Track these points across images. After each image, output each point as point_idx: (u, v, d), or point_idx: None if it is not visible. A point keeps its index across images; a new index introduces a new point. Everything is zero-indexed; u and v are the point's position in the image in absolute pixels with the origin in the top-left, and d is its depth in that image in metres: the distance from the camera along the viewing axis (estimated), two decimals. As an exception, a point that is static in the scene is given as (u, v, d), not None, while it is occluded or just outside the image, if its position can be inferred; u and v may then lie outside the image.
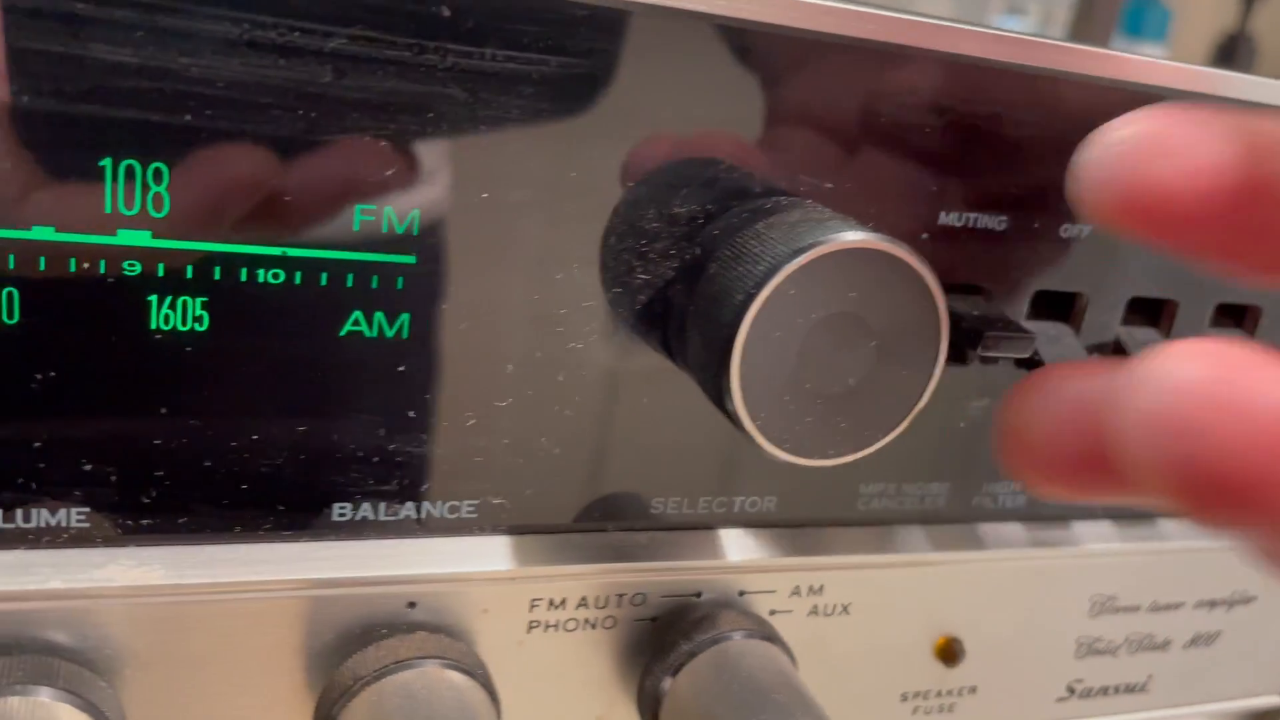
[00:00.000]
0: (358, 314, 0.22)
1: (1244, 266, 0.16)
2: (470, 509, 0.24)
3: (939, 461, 0.28)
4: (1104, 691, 0.32)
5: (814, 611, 0.27)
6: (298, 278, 0.22)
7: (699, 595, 0.26)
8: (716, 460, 0.26)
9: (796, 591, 0.27)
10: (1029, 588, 0.30)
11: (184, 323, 0.21)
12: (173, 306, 0.21)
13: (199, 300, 0.21)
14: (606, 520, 0.25)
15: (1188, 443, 0.12)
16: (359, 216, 0.22)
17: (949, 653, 0.29)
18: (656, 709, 0.24)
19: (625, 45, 0.21)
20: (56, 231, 0.20)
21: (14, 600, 0.20)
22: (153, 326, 0.21)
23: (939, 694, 0.30)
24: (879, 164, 0.24)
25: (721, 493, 0.26)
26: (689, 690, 0.24)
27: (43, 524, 0.21)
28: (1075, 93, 0.25)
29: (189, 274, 0.21)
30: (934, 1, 1.15)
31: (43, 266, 0.20)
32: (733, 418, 0.21)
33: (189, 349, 0.21)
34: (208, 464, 0.22)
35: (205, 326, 0.21)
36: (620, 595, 0.25)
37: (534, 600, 0.24)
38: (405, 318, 0.22)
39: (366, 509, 0.23)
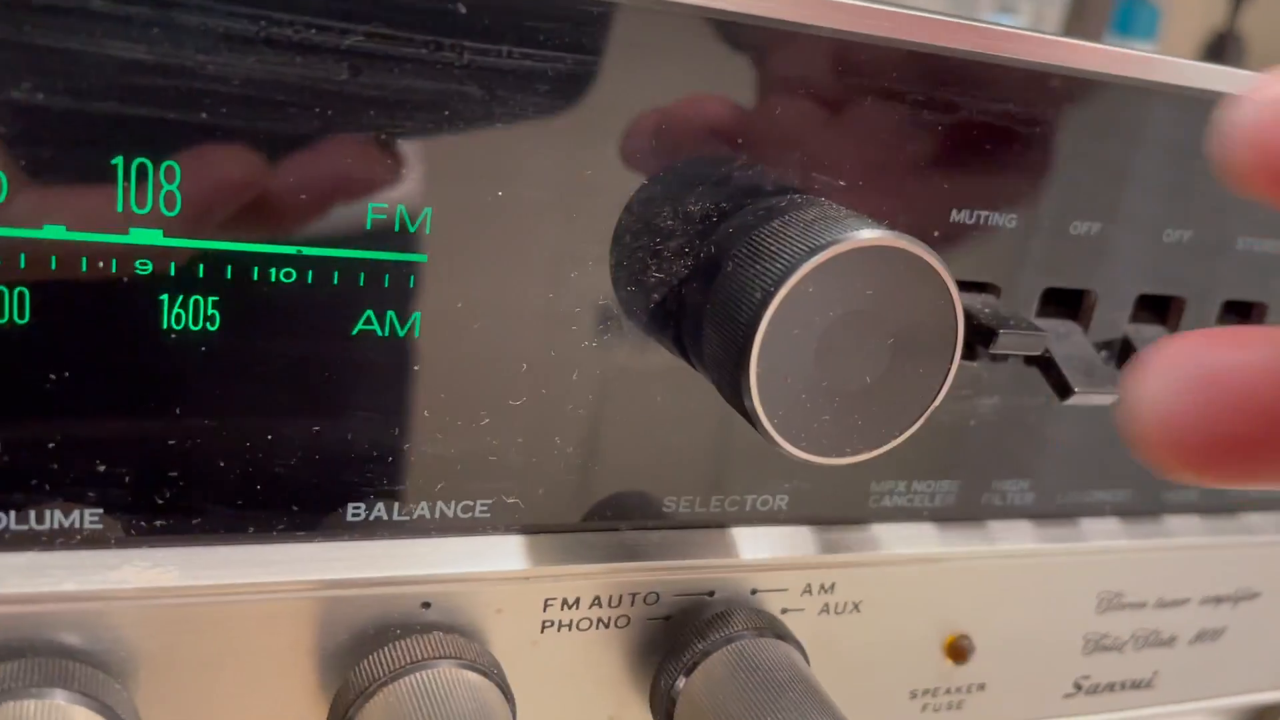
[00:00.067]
0: (369, 313, 0.22)
1: None
2: (484, 508, 0.24)
3: (948, 459, 0.28)
4: (1110, 687, 0.32)
5: (825, 610, 0.27)
6: (310, 277, 0.21)
7: (712, 594, 0.26)
8: (729, 458, 0.26)
9: (808, 590, 0.27)
10: (1037, 585, 0.30)
11: (195, 322, 0.21)
12: (184, 306, 0.21)
13: (210, 300, 0.21)
14: (619, 519, 0.25)
15: None
16: (371, 215, 0.21)
17: (958, 650, 0.29)
18: (671, 708, 0.24)
19: (639, 43, 0.21)
20: (68, 230, 0.20)
21: (28, 603, 0.20)
22: (164, 326, 0.21)
23: (948, 691, 0.30)
24: (891, 161, 0.24)
25: (733, 491, 0.26)
26: (703, 689, 0.24)
27: (56, 525, 0.20)
28: (1082, 88, 0.25)
29: (201, 273, 0.21)
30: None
31: (54, 266, 0.20)
32: (750, 416, 0.21)
33: (201, 349, 0.21)
34: (221, 464, 0.21)
35: (217, 326, 0.21)
36: (633, 594, 0.25)
37: (548, 600, 0.24)
38: (417, 317, 0.22)
39: (380, 509, 0.23)
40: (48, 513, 0.20)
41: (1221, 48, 1.32)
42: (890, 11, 0.23)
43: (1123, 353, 0.28)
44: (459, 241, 0.22)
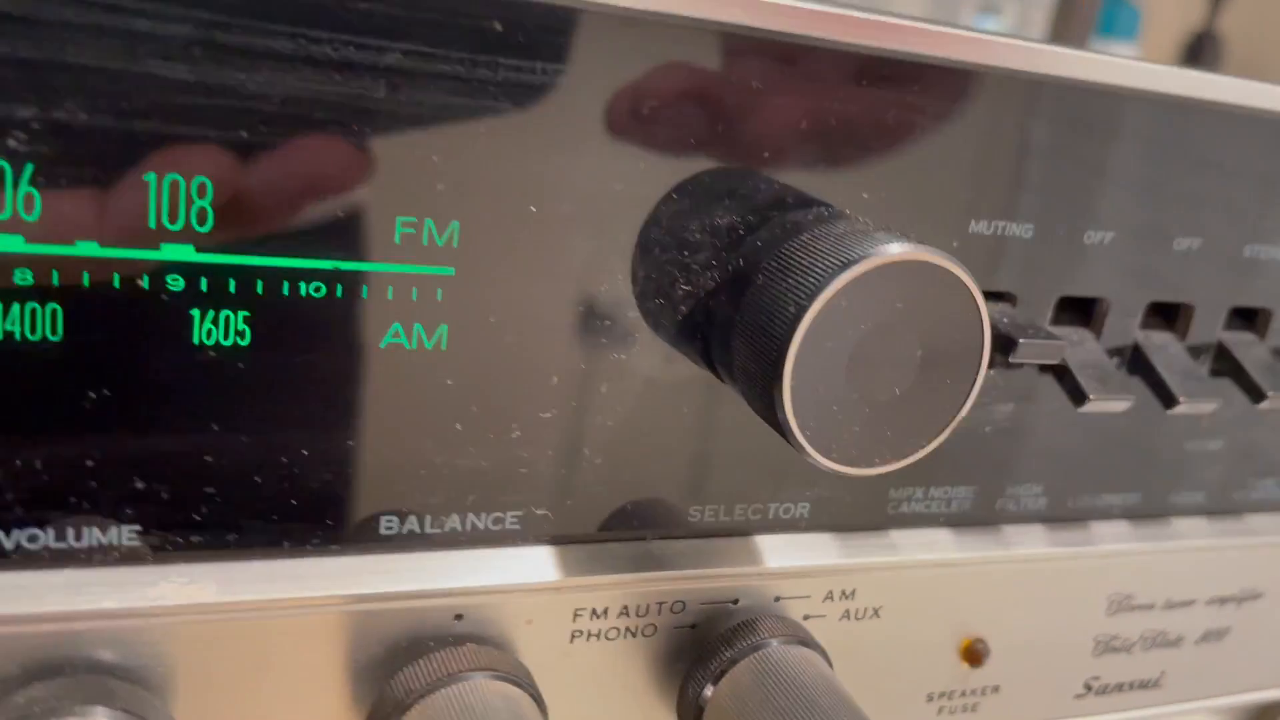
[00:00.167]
0: (397, 326, 0.22)
1: None
2: (514, 520, 0.24)
3: (964, 465, 0.28)
4: (1119, 688, 0.33)
5: (846, 615, 0.27)
6: (339, 290, 0.22)
7: (736, 602, 0.26)
8: (752, 468, 0.26)
9: (830, 596, 0.27)
10: (1050, 588, 0.30)
11: (227, 337, 0.21)
12: (215, 321, 0.21)
13: (241, 315, 0.21)
14: (645, 529, 0.25)
15: None
16: (400, 229, 0.22)
17: (974, 653, 0.29)
18: (698, 716, 0.25)
19: (668, 59, 0.22)
20: (100, 247, 0.20)
21: (68, 620, 0.20)
22: (195, 341, 0.21)
23: (963, 694, 0.30)
24: (911, 173, 0.24)
25: (756, 500, 0.26)
26: (731, 697, 0.24)
27: (94, 543, 0.21)
28: (1097, 101, 0.26)
29: (232, 288, 0.21)
30: (908, 1, 1.16)
31: (86, 283, 0.20)
32: (782, 428, 0.21)
33: (233, 364, 0.21)
34: (257, 479, 0.21)
35: (248, 341, 0.21)
36: (660, 603, 0.25)
37: (577, 610, 0.24)
38: (444, 329, 0.22)
39: (413, 522, 0.23)
40: (86, 530, 0.20)
41: (1200, 48, 1.34)
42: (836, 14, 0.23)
43: (1133, 359, 0.29)
44: (487, 254, 0.22)
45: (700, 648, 0.25)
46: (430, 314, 0.22)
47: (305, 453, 0.22)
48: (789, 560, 0.26)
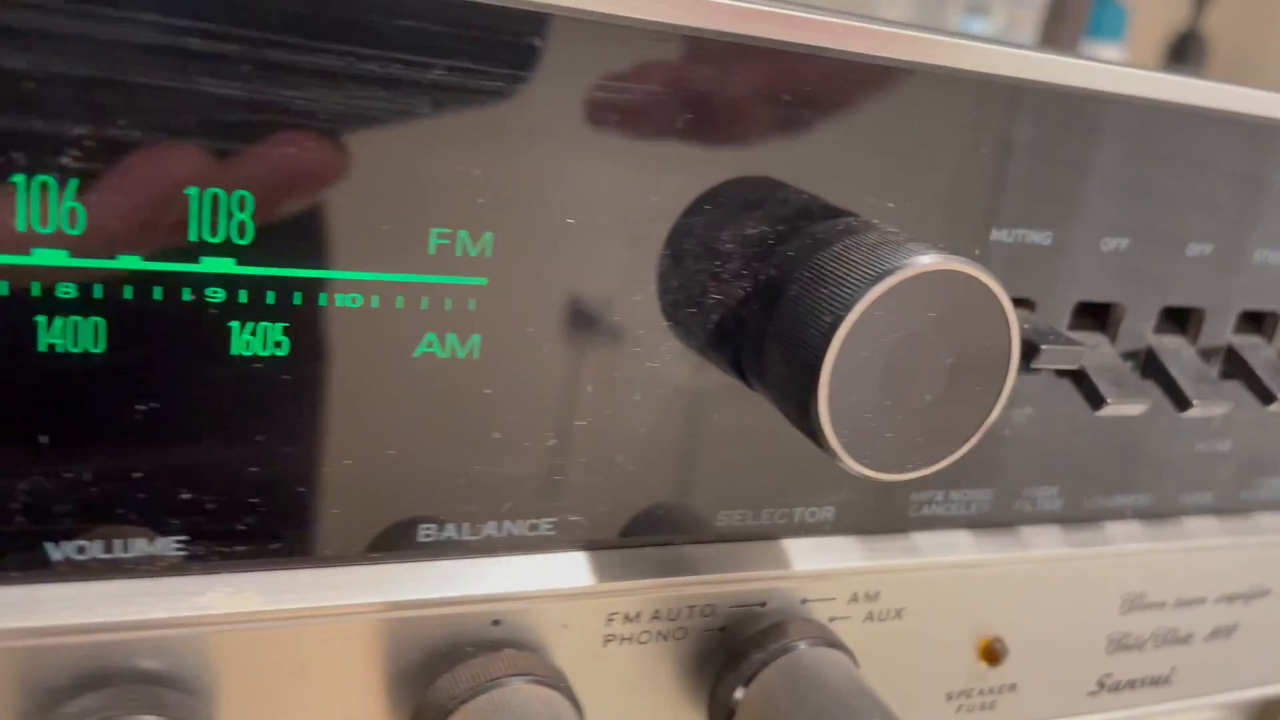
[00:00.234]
0: (431, 335, 0.23)
1: None
2: (549, 526, 0.24)
3: (983, 468, 0.29)
4: (1131, 685, 0.33)
5: (870, 617, 0.28)
6: (375, 301, 0.22)
7: (764, 605, 0.26)
8: (778, 473, 0.26)
9: (855, 598, 0.27)
10: (1066, 587, 0.31)
11: (265, 348, 0.21)
12: (254, 332, 0.21)
13: (280, 325, 0.21)
14: (676, 534, 0.26)
15: None
16: (434, 240, 0.22)
17: (992, 652, 0.30)
18: (730, 718, 0.25)
19: (701, 74, 0.22)
20: (142, 260, 0.20)
21: (116, 630, 0.20)
22: (233, 352, 0.21)
23: (981, 692, 0.31)
24: (934, 183, 0.25)
25: (783, 504, 0.27)
26: (762, 699, 0.25)
27: (140, 554, 0.21)
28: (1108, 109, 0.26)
29: (270, 300, 0.21)
30: (895, 2, 1.16)
31: (129, 296, 0.20)
32: (817, 435, 0.22)
33: (271, 374, 0.21)
34: (299, 489, 0.22)
35: (286, 351, 0.22)
36: (691, 607, 0.26)
37: (611, 614, 0.25)
38: (476, 339, 0.23)
39: (451, 529, 0.23)
40: (133, 541, 0.21)
41: (1185, 48, 1.35)
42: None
43: (1147, 363, 0.29)
44: (521, 265, 0.22)
45: (730, 650, 0.26)
46: (463, 323, 0.22)
47: (347, 462, 0.22)
48: (815, 563, 0.27)
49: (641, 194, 0.22)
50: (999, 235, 0.26)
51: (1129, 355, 0.29)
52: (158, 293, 0.20)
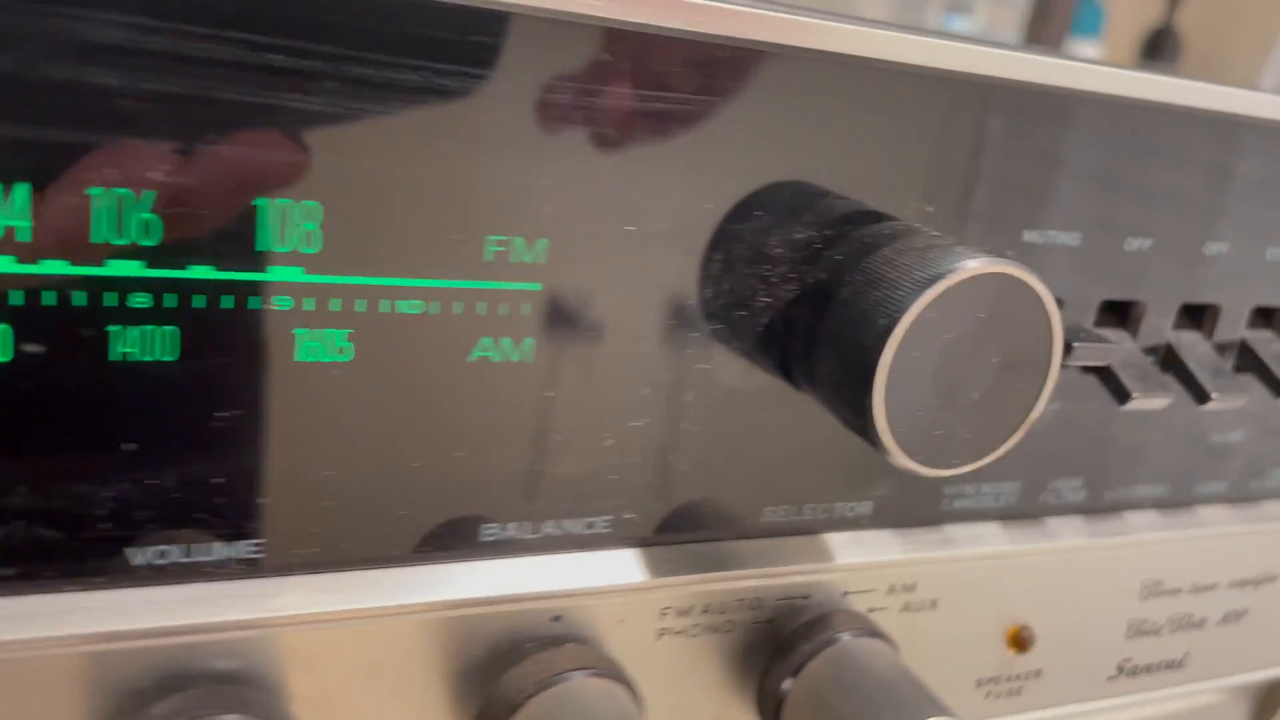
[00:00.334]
0: (486, 340, 0.23)
1: None
2: (605, 524, 0.25)
3: (1011, 462, 0.30)
4: (1148, 669, 0.35)
5: (906, 607, 0.29)
6: (434, 307, 0.22)
7: (808, 597, 0.27)
8: (820, 470, 0.27)
9: (892, 589, 0.28)
10: (1089, 576, 0.32)
11: (328, 354, 0.22)
12: (319, 339, 0.22)
13: (344, 332, 0.22)
14: (723, 529, 0.26)
15: None
16: (491, 247, 0.22)
17: (1020, 640, 0.31)
18: (779, 708, 0.26)
19: (751, 84, 0.23)
20: (214, 270, 0.21)
21: (197, 633, 0.21)
22: (297, 359, 0.22)
23: (1009, 678, 0.32)
24: (970, 187, 0.26)
25: (824, 500, 0.27)
26: (811, 689, 0.26)
27: (219, 557, 0.21)
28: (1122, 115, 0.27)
29: (335, 307, 0.22)
30: (873, 1, 1.17)
31: (200, 305, 0.21)
32: (871, 433, 0.22)
33: (336, 380, 0.21)
34: (370, 492, 0.22)
35: (349, 357, 0.22)
36: (739, 600, 0.26)
37: (664, 608, 0.25)
38: (529, 342, 0.23)
39: (512, 529, 0.24)
40: (212, 545, 0.21)
41: (1159, 44, 1.37)
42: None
43: (1166, 358, 0.31)
44: (575, 270, 0.23)
45: (777, 642, 0.26)
46: (517, 328, 0.23)
47: (415, 465, 0.23)
48: (855, 557, 0.28)
49: (697, 201, 0.23)
50: (1031, 236, 0.27)
51: (1149, 351, 0.30)
52: (227, 301, 0.21)
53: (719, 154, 0.23)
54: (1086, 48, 1.19)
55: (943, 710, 0.24)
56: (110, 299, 0.20)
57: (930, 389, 0.23)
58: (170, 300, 0.20)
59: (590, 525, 0.25)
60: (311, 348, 0.22)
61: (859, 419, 0.22)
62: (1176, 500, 0.33)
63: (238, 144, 0.20)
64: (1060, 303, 0.28)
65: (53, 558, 0.20)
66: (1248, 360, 0.32)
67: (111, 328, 0.20)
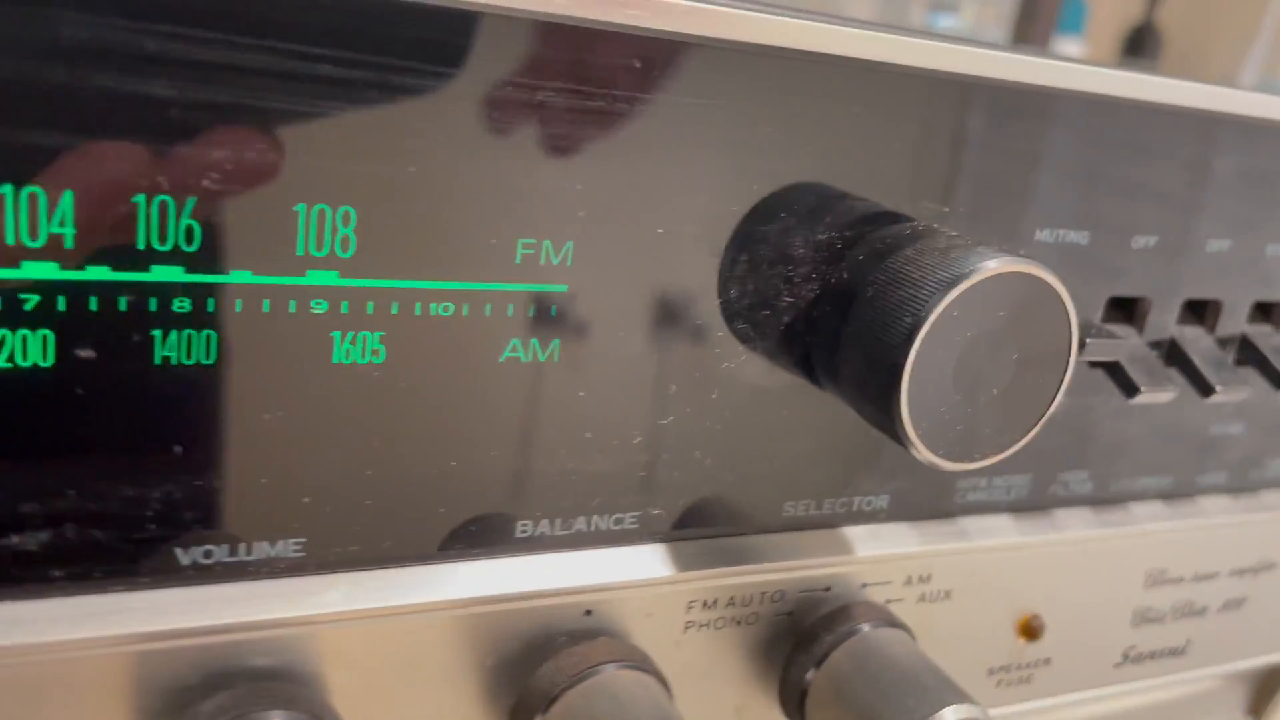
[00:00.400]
0: (515, 341, 0.24)
1: None
2: (633, 520, 0.25)
3: (1023, 455, 0.30)
4: (1152, 656, 0.35)
5: (922, 598, 0.29)
6: (465, 309, 0.23)
7: (828, 589, 0.28)
8: (839, 465, 0.28)
9: (909, 581, 0.29)
10: (1097, 565, 0.33)
11: (364, 356, 0.22)
12: (354, 341, 0.22)
13: (377, 334, 0.22)
14: (747, 524, 0.27)
15: None
16: (520, 250, 0.23)
17: (1030, 629, 0.32)
18: (802, 699, 0.26)
19: (779, 89, 0.23)
20: (253, 275, 0.21)
21: (243, 631, 0.21)
22: (334, 361, 0.22)
23: (1019, 667, 0.32)
24: (985, 188, 0.26)
25: (842, 494, 0.28)
26: (833, 679, 0.26)
27: (263, 556, 0.22)
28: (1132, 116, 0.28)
29: (369, 309, 0.22)
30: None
31: (238, 309, 0.21)
32: (897, 429, 0.23)
33: (371, 381, 0.22)
34: (409, 490, 0.23)
35: (382, 359, 0.22)
36: (763, 593, 0.27)
37: (691, 602, 0.26)
38: (556, 343, 0.24)
39: (545, 525, 0.24)
40: (256, 545, 0.21)
41: (1140, 41, 1.39)
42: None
43: (1170, 352, 0.31)
44: (600, 271, 0.23)
45: (799, 634, 0.27)
46: (544, 329, 0.24)
47: (452, 464, 0.23)
48: (873, 549, 0.28)
49: (724, 204, 0.24)
50: (1042, 236, 0.28)
51: (1154, 345, 0.31)
52: (266, 305, 0.21)
53: (742, 157, 0.23)
54: (1070, 45, 1.20)
55: (965, 698, 0.25)
56: (153, 304, 0.20)
57: (952, 385, 0.23)
58: (210, 305, 0.21)
59: (619, 521, 0.25)
60: (347, 350, 0.22)
61: (885, 415, 0.23)
62: (1179, 491, 0.34)
63: (279, 151, 0.20)
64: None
65: (101, 559, 0.20)
66: (1248, 354, 0.33)
67: (155, 332, 0.20)
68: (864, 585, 0.28)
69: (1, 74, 0.17)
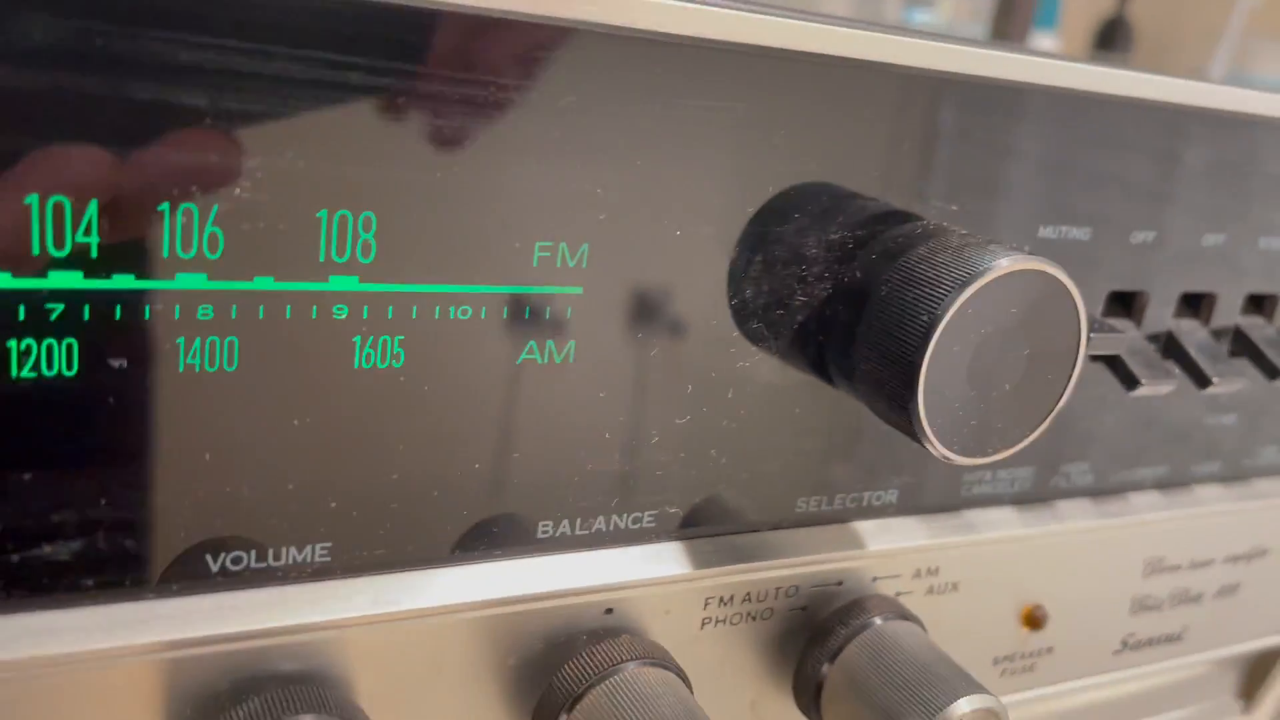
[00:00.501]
0: (532, 343, 0.24)
1: None
2: (650, 518, 0.26)
3: (1026, 449, 0.31)
4: (1150, 643, 0.36)
5: (930, 590, 0.30)
6: (483, 312, 0.23)
7: (840, 584, 0.28)
8: (849, 461, 0.28)
9: (918, 573, 0.29)
10: (1098, 555, 0.33)
11: (384, 360, 0.23)
12: (374, 346, 0.22)
13: (397, 339, 0.22)
14: (761, 520, 0.27)
15: None
16: (537, 253, 0.23)
17: (1034, 619, 0.32)
18: (818, 692, 0.27)
19: (793, 92, 0.24)
20: (275, 281, 0.21)
21: (272, 636, 0.21)
22: (356, 366, 0.22)
23: (1023, 656, 0.33)
24: (991, 186, 0.27)
25: (853, 489, 0.28)
26: (848, 672, 0.27)
27: (291, 561, 0.22)
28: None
29: (390, 314, 0.22)
30: (834, -5, 1.19)
31: (261, 315, 0.21)
32: (913, 425, 0.23)
33: (391, 385, 0.22)
34: (434, 493, 0.23)
35: (402, 363, 0.23)
36: (778, 589, 0.27)
37: (708, 599, 0.26)
38: (572, 345, 0.24)
39: (565, 525, 0.25)
40: (285, 550, 0.22)
41: (1112, 34, 1.40)
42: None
43: (1167, 345, 0.32)
44: (615, 273, 0.24)
45: (813, 628, 0.27)
46: (560, 331, 0.24)
47: (476, 466, 0.23)
48: (883, 543, 0.29)
49: (745, 206, 0.24)
50: (1046, 232, 0.28)
51: (1151, 338, 0.32)
52: (288, 311, 0.21)
53: (757, 158, 0.24)
54: (1044, 40, 1.22)
55: (979, 688, 0.25)
56: (177, 312, 0.20)
57: (966, 381, 0.24)
58: (235, 312, 0.21)
59: (637, 520, 0.25)
60: (368, 355, 0.22)
61: (901, 412, 0.23)
62: (1176, 480, 0.35)
63: (301, 157, 0.20)
64: (1073, 295, 0.29)
65: (131, 567, 0.20)
66: (1241, 345, 0.33)
67: (179, 340, 0.20)
68: (875, 579, 0.29)
69: (28, 82, 0.17)
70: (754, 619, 0.27)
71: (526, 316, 0.23)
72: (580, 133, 0.22)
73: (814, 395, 0.27)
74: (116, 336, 0.20)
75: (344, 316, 0.22)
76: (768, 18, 0.23)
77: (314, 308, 0.21)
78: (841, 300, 0.25)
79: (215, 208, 0.20)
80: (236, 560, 0.21)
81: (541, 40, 0.21)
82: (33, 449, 0.19)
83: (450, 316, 0.23)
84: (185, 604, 0.21)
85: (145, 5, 0.18)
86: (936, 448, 0.24)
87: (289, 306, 0.21)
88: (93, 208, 0.19)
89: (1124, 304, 0.31)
